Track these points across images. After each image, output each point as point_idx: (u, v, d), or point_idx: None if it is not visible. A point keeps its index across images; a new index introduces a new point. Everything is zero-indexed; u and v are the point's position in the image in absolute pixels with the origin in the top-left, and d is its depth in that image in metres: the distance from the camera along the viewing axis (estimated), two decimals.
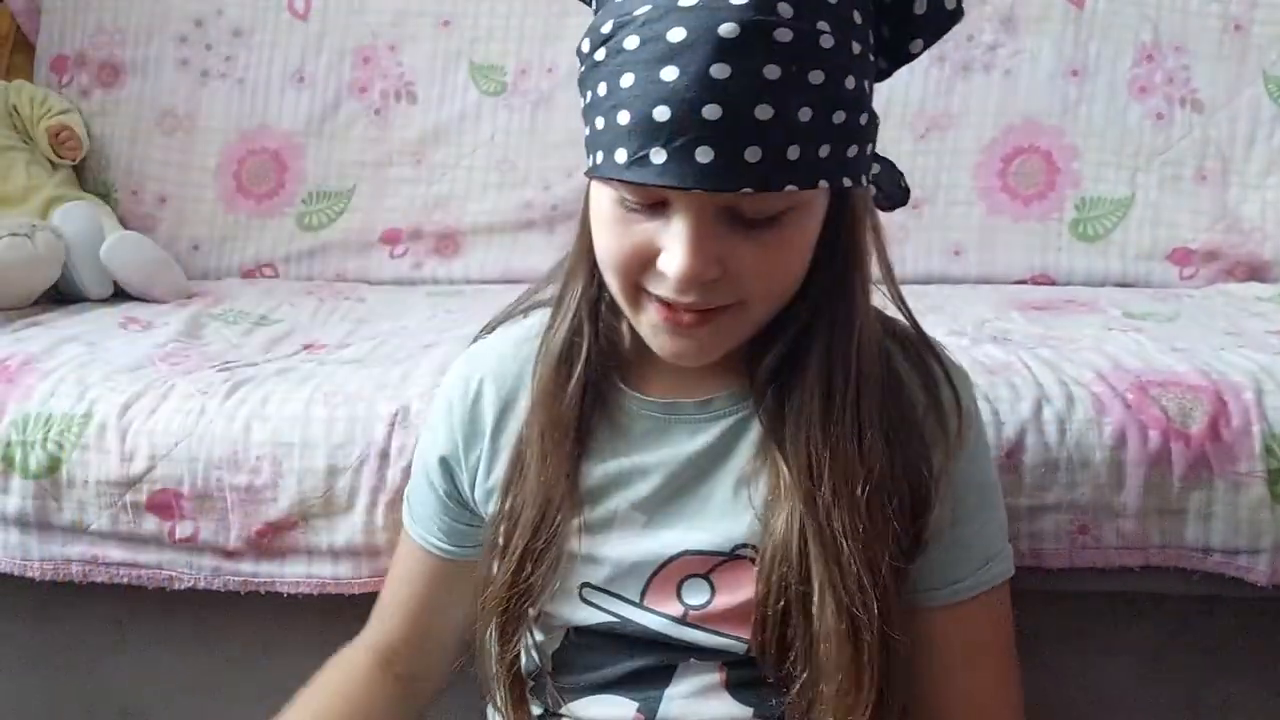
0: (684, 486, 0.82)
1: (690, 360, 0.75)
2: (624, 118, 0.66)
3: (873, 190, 0.78)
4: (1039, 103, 1.88)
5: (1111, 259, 1.83)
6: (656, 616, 0.82)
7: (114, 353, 1.33)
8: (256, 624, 1.20)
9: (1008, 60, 1.89)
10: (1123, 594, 1.12)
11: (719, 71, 0.62)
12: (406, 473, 1.10)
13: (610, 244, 0.73)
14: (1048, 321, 1.45)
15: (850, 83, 0.67)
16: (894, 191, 0.80)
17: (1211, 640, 1.16)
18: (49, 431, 1.15)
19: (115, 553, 1.16)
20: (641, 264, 0.71)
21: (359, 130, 1.99)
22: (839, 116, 0.66)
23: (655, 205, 0.69)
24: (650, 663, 0.83)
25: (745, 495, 0.80)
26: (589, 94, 0.71)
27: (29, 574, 1.17)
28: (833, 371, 0.75)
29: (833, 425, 0.75)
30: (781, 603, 0.76)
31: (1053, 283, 1.83)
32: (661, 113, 0.64)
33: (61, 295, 1.68)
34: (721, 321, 0.73)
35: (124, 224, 1.89)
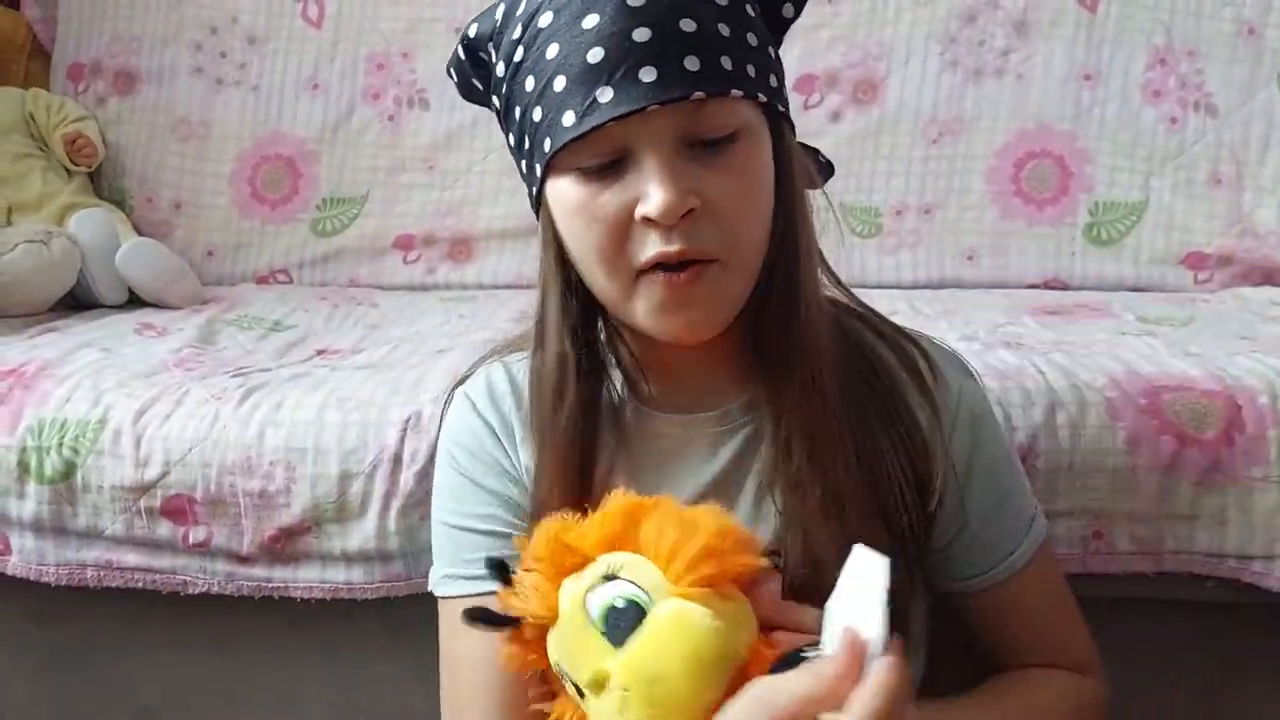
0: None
1: (699, 329, 0.74)
2: (560, 83, 0.69)
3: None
4: (1052, 107, 1.87)
5: (1125, 263, 1.82)
6: None
7: (129, 358, 1.34)
8: (270, 629, 1.20)
9: (1020, 65, 1.88)
10: (1136, 600, 1.12)
11: (635, 0, 0.67)
12: (419, 477, 1.10)
13: (587, 229, 0.72)
14: (1061, 326, 1.45)
15: (750, 10, 0.73)
16: (818, 167, 0.83)
17: (1226, 647, 1.15)
18: (64, 437, 1.15)
19: (130, 558, 1.16)
20: (622, 231, 0.71)
21: (372, 136, 2.00)
22: (751, 39, 0.72)
23: (617, 162, 0.71)
24: None
25: (768, 498, 0.79)
26: (517, 108, 0.73)
27: (44, 578, 1.17)
28: (790, 317, 0.76)
29: (795, 366, 0.76)
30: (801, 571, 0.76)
31: (1066, 287, 1.82)
32: (595, 54, 0.68)
33: (77, 301, 1.70)
34: (716, 280, 0.72)
35: (139, 230, 1.91)
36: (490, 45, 0.76)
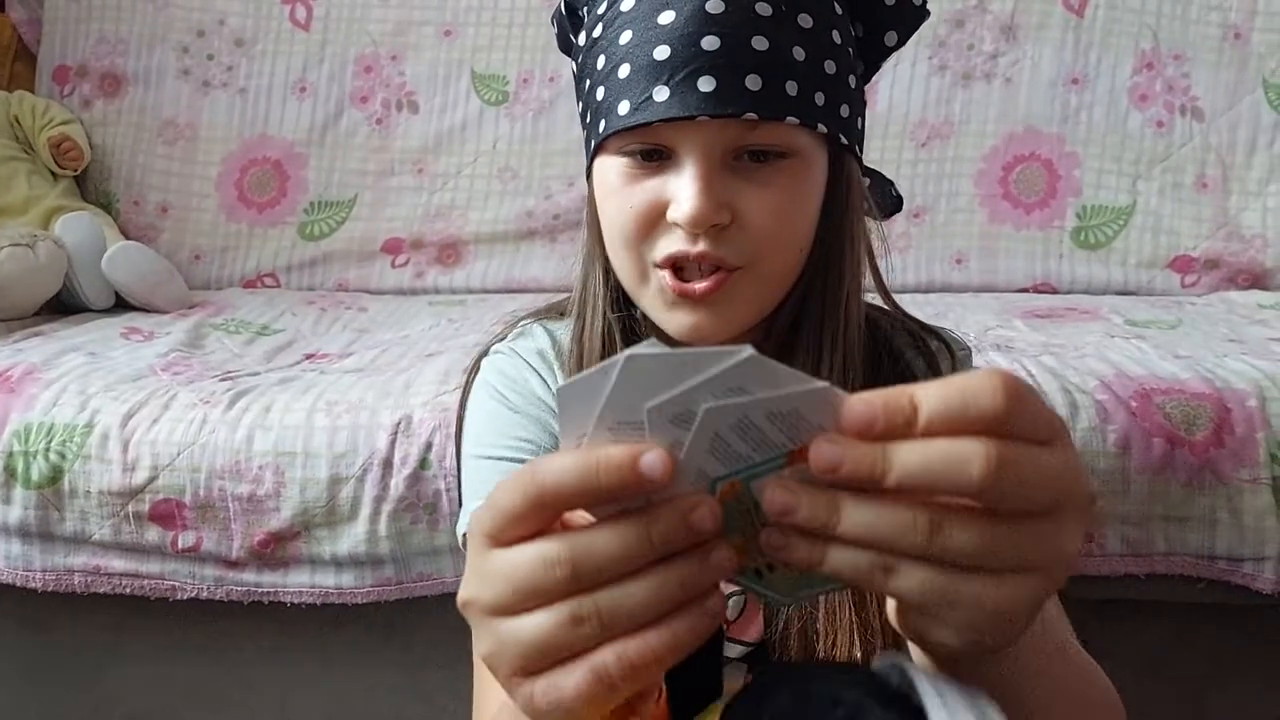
0: None
1: (707, 334, 0.73)
2: (624, 70, 0.69)
3: (866, 204, 0.79)
4: (1040, 111, 1.88)
5: (1113, 267, 1.83)
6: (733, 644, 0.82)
7: (116, 362, 1.33)
8: (260, 634, 1.19)
9: (1008, 69, 1.89)
10: (1128, 601, 1.12)
11: (714, 7, 0.66)
12: (410, 481, 1.10)
13: (619, 209, 0.72)
14: (1050, 329, 1.45)
15: (836, 37, 0.71)
16: (886, 200, 0.82)
17: (1217, 647, 1.15)
18: (51, 441, 1.15)
19: (117, 563, 1.16)
20: (650, 223, 0.71)
21: (360, 140, 2.00)
22: (830, 66, 0.70)
23: (662, 159, 0.70)
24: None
25: None
26: (587, 80, 0.73)
27: (31, 584, 1.16)
28: (821, 348, 0.75)
29: None
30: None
31: (1055, 291, 1.83)
32: (661, 52, 0.67)
33: (63, 305, 1.68)
34: (733, 286, 0.71)
35: (125, 234, 1.89)
36: (584, 9, 0.76)
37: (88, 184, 2.00)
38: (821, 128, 0.70)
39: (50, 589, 1.16)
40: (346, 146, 1.99)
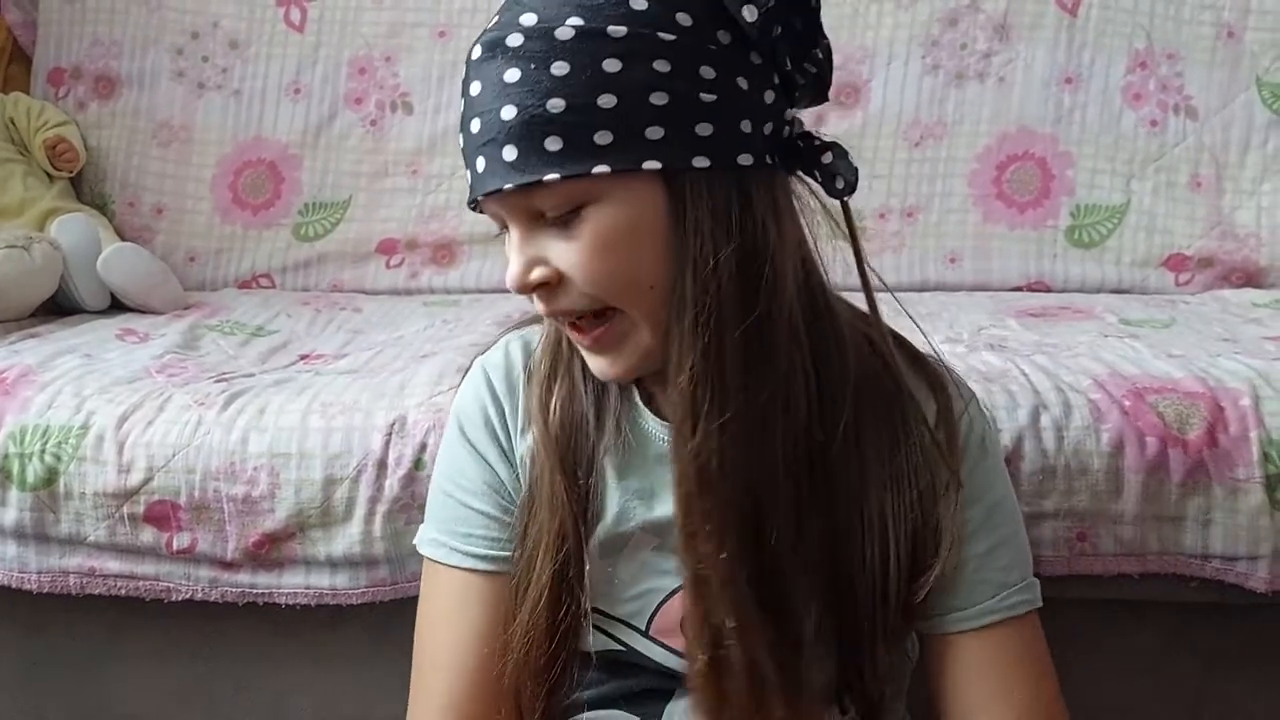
0: None
1: (610, 375, 0.75)
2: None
3: (840, 182, 0.73)
4: (1033, 110, 1.88)
5: (1107, 266, 1.83)
6: (661, 650, 0.82)
7: (111, 364, 1.33)
8: (254, 635, 1.19)
9: (1002, 68, 1.89)
10: (1122, 601, 1.12)
11: (475, 90, 0.69)
12: (405, 482, 1.10)
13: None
14: (1044, 329, 1.46)
15: (613, 65, 0.65)
16: (850, 176, 0.74)
17: (1211, 647, 1.16)
18: (46, 443, 1.15)
19: (112, 564, 1.16)
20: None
21: (355, 141, 2.00)
22: (607, 100, 0.65)
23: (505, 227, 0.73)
24: (651, 685, 0.83)
25: None
26: None
27: (26, 586, 1.16)
28: (676, 372, 0.71)
29: (684, 416, 0.71)
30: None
31: (1048, 290, 1.83)
32: (460, 140, 0.72)
33: (59, 307, 1.68)
34: (610, 334, 0.72)
35: (121, 235, 1.89)
36: None
37: (83, 186, 1.99)
38: (601, 168, 0.66)
39: (46, 591, 1.16)
40: (341, 148, 1.99)
